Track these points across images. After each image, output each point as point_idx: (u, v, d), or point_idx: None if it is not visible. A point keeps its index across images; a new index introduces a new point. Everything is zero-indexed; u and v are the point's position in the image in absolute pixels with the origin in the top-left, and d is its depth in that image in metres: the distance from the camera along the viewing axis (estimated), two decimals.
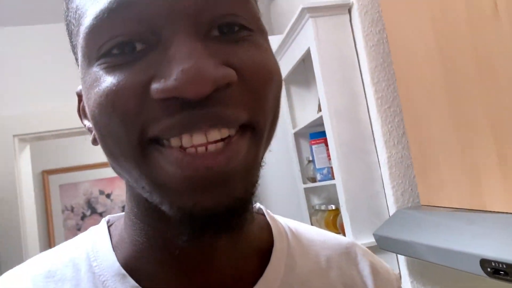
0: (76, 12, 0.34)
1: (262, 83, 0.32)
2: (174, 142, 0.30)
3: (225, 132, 0.31)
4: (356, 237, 1.26)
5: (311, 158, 1.66)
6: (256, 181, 0.34)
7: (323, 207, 1.60)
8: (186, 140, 0.30)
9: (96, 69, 0.31)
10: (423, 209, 1.11)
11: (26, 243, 2.41)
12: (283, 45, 1.62)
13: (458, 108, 0.93)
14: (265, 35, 0.36)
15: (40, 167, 3.60)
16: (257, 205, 0.49)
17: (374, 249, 1.25)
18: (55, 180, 3.90)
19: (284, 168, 1.79)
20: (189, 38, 0.30)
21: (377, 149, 1.30)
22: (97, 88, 0.31)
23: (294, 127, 1.73)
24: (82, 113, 0.39)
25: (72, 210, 4.00)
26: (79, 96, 0.39)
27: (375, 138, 1.30)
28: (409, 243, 0.96)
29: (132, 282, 0.36)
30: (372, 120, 1.30)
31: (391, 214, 1.24)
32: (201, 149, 0.30)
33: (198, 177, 0.29)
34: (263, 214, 0.48)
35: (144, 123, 0.30)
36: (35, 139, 2.65)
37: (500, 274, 0.69)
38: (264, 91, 0.33)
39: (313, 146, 1.59)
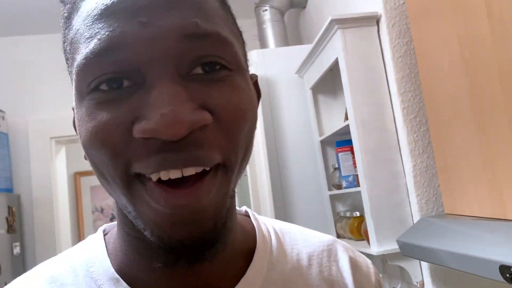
0: (71, 44, 0.38)
1: (236, 124, 0.36)
2: (154, 176, 0.34)
3: (199, 168, 0.34)
4: (380, 244, 1.28)
5: (337, 166, 1.69)
6: (225, 214, 0.37)
7: (348, 214, 1.63)
8: (164, 175, 0.34)
9: (87, 104, 0.35)
10: (447, 218, 1.13)
11: (59, 241, 2.51)
12: (312, 54, 1.66)
13: (481, 119, 0.96)
14: (244, 73, 0.39)
15: (73, 169, 3.74)
16: (244, 208, 0.53)
17: (397, 255, 1.27)
18: (86, 182, 4.04)
19: (310, 175, 1.82)
20: (170, 80, 0.33)
21: (403, 158, 1.32)
22: (88, 124, 0.35)
23: (320, 135, 1.76)
24: (75, 127, 0.42)
25: (101, 211, 4.12)
26: (73, 110, 0.42)
27: (401, 147, 1.33)
28: (431, 249, 0.98)
29: (125, 285, 0.41)
30: (398, 130, 1.33)
31: (415, 222, 1.26)
32: (177, 188, 0.34)
33: (174, 213, 0.33)
34: (249, 216, 0.51)
35: (129, 159, 0.34)
36: (70, 141, 2.76)
37: None
38: (238, 131, 0.36)
39: (339, 154, 1.63)
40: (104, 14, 0.34)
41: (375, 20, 1.37)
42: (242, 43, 0.43)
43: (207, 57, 0.35)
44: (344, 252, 0.51)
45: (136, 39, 0.33)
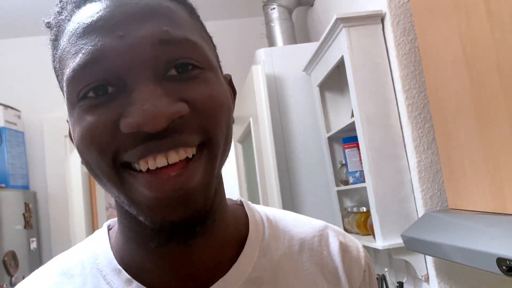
0: (59, 61, 0.42)
1: (211, 109, 0.40)
2: (142, 165, 0.38)
3: (182, 154, 0.38)
4: (385, 238, 1.31)
5: (344, 162, 1.72)
6: (213, 194, 0.41)
7: (355, 209, 1.66)
8: (151, 163, 0.38)
9: (78, 110, 0.40)
10: (450, 213, 1.15)
11: (74, 236, 2.58)
12: (318, 53, 1.69)
13: (483, 116, 0.98)
14: (215, 71, 0.43)
15: None
16: (239, 198, 0.56)
17: (402, 249, 1.29)
18: None
19: (318, 171, 1.85)
20: (148, 82, 0.38)
21: (407, 154, 1.34)
22: (79, 126, 0.39)
23: (328, 131, 1.79)
24: (71, 138, 0.46)
25: (115, 208, 4.19)
26: (68, 122, 0.46)
27: (406, 144, 1.35)
28: (433, 243, 1.01)
29: (126, 275, 0.45)
30: (403, 126, 1.35)
31: (419, 217, 1.28)
32: (165, 172, 0.38)
33: (164, 197, 0.37)
34: (243, 205, 0.54)
35: (116, 150, 0.38)
36: None
37: None
38: (214, 115, 0.40)
39: (346, 150, 1.65)
40: (86, 32, 0.39)
41: (379, 18, 1.39)
42: (213, 46, 0.48)
43: (179, 59, 0.40)
44: (335, 237, 0.53)
45: (116, 50, 0.38)
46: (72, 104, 0.40)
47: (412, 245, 1.14)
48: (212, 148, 0.41)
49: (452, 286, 1.24)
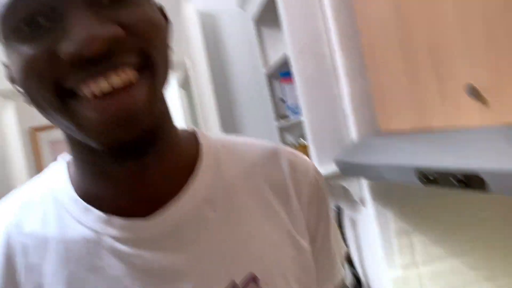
0: None
1: (146, 30, 0.41)
2: (86, 90, 0.39)
3: (123, 76, 0.39)
4: (322, 166, 1.34)
5: (283, 97, 1.72)
6: (158, 114, 0.43)
7: (295, 143, 1.68)
8: (94, 87, 0.39)
9: (14, 44, 0.40)
10: (381, 135, 1.18)
11: None
12: None
13: (407, 43, 0.99)
14: None
15: (28, 124, 3.63)
16: (192, 127, 0.57)
17: (340, 176, 1.33)
18: (45, 137, 3.93)
19: (259, 108, 1.85)
20: (81, 9, 0.38)
21: (340, 83, 1.35)
22: (18, 59, 0.40)
23: (267, 67, 1.77)
24: (11, 79, 0.46)
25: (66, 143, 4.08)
26: (6, 66, 0.46)
27: (338, 72, 1.35)
28: (361, 165, 1.04)
29: (84, 204, 0.47)
30: (335, 55, 1.35)
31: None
32: (109, 96, 0.39)
33: (110, 118, 0.39)
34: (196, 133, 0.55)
35: (57, 78, 0.39)
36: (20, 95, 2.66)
37: (430, 180, 0.77)
38: (150, 36, 0.41)
39: (284, 85, 1.65)
40: None
41: None
42: None
43: None
44: (285, 156, 0.55)
45: None
46: (7, 38, 0.40)
47: (345, 169, 1.17)
48: (152, 69, 0.42)
49: (386, 207, 1.29)
